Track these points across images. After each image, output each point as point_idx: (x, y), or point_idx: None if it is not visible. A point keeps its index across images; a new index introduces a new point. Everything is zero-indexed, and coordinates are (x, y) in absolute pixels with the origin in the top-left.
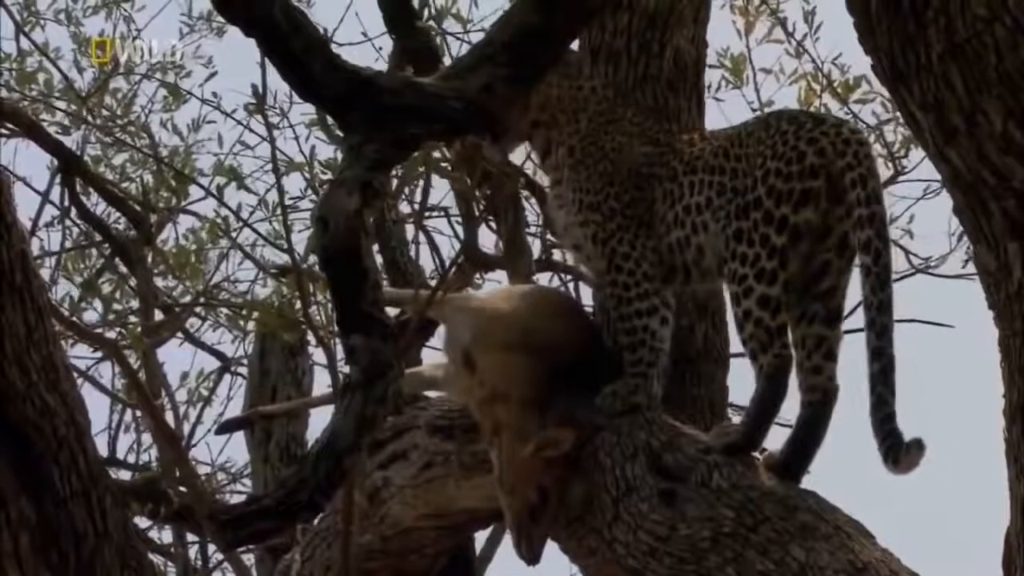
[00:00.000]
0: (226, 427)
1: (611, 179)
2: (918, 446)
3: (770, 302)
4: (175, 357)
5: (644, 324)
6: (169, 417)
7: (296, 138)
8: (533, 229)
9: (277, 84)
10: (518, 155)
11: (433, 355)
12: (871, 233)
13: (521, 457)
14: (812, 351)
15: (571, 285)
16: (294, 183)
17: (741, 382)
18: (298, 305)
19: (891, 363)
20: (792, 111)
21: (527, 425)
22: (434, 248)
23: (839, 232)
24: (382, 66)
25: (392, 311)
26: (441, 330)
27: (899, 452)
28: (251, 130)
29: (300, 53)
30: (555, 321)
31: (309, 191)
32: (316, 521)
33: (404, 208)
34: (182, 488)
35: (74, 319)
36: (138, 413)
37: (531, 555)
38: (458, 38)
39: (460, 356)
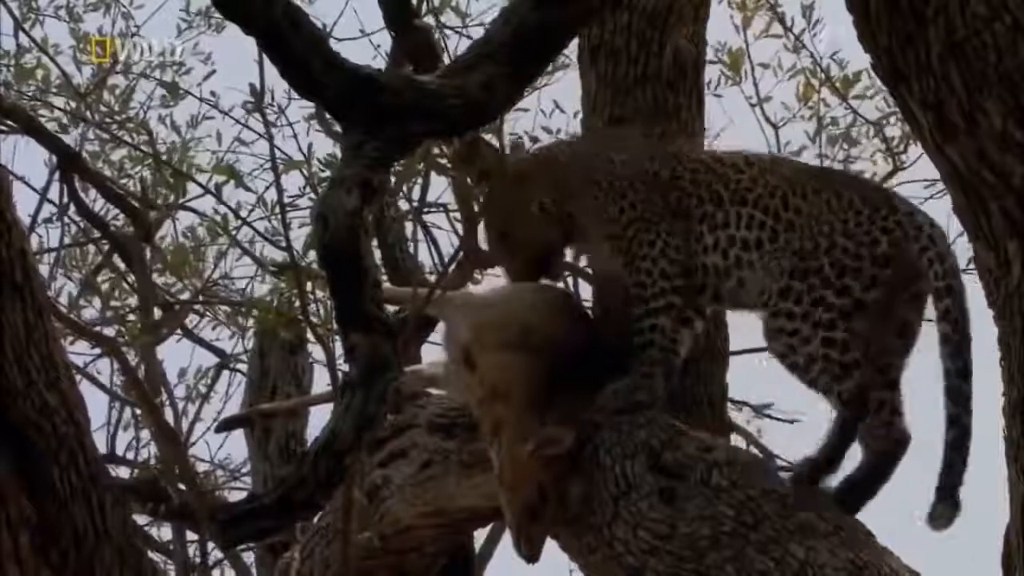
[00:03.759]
0: (226, 425)
1: (623, 192)
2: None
3: (835, 343)
4: (174, 353)
5: (653, 323)
6: (168, 414)
7: (295, 136)
8: None
9: (276, 81)
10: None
11: (433, 353)
12: (949, 303)
13: (520, 456)
14: (876, 412)
15: (570, 282)
16: (293, 181)
17: (740, 380)
18: (297, 303)
19: (967, 432)
20: (864, 182)
21: (527, 424)
22: (433, 245)
23: (901, 317)
24: (380, 63)
25: (391, 309)
26: (441, 328)
27: (950, 518)
28: (249, 128)
29: (299, 51)
30: (554, 319)
31: (307, 189)
32: (315, 519)
33: (403, 205)
34: (181, 486)
35: (73, 317)
36: (137, 410)
37: (530, 553)
38: (457, 32)
39: (460, 354)
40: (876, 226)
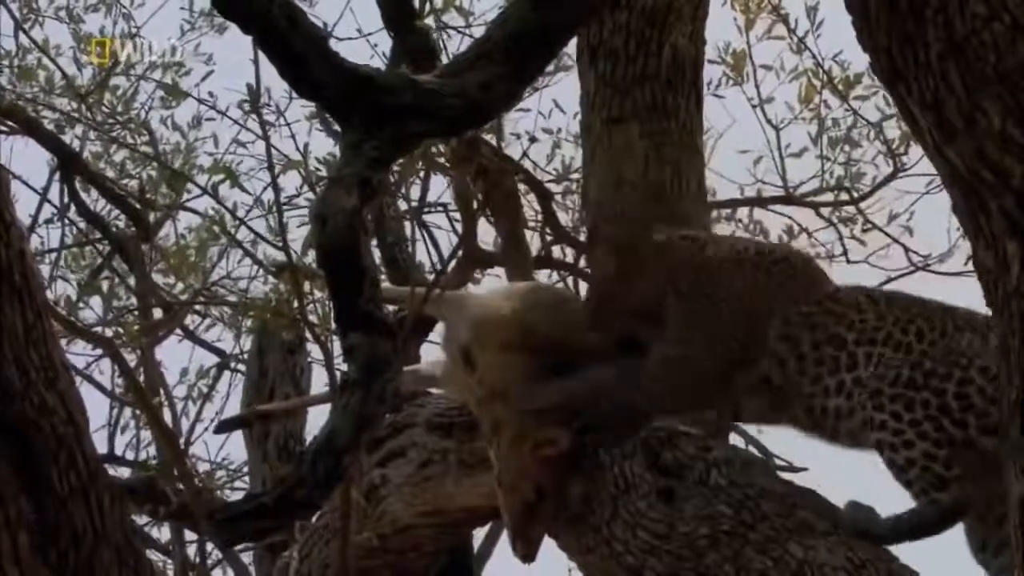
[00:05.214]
0: (224, 426)
1: None
2: None
3: (938, 459)
4: (174, 353)
5: None
6: (167, 415)
7: (292, 136)
8: (532, 225)
9: (275, 81)
10: (515, 148)
11: (432, 353)
12: None
13: (519, 455)
14: None
15: (570, 282)
16: (291, 181)
17: None
18: (296, 303)
19: None
20: None
21: (526, 424)
22: (432, 244)
23: None
24: (379, 64)
25: (390, 308)
26: (439, 328)
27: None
28: (247, 128)
29: (298, 50)
30: (554, 320)
31: (305, 188)
32: (314, 519)
33: (402, 204)
34: (180, 486)
35: (71, 318)
36: (137, 411)
37: (525, 553)
38: (460, 32)
39: (459, 354)
40: None
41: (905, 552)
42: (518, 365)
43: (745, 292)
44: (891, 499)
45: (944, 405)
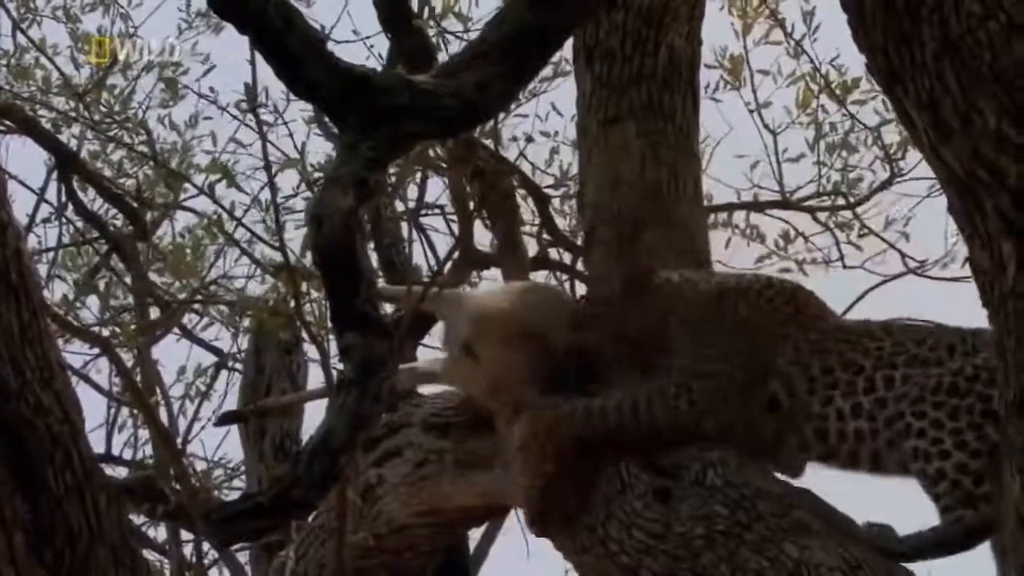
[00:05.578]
0: (225, 419)
1: None
2: None
3: (969, 471)
4: (172, 352)
5: None
6: (164, 414)
7: (291, 135)
8: (528, 227)
9: (272, 82)
10: (512, 152)
11: (428, 353)
12: None
13: (544, 426)
14: None
15: (566, 283)
16: (290, 180)
17: None
18: (292, 303)
19: None
20: None
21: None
22: (429, 246)
23: None
24: (375, 65)
25: (387, 307)
26: (438, 325)
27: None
28: (248, 125)
29: (294, 50)
30: (551, 318)
31: (303, 188)
32: (311, 519)
33: (399, 206)
34: (177, 486)
35: (68, 317)
36: (134, 410)
37: (538, 527)
38: (458, 37)
39: (461, 347)
40: None
41: None
42: (520, 360)
43: (751, 318)
44: (885, 497)
45: (988, 411)
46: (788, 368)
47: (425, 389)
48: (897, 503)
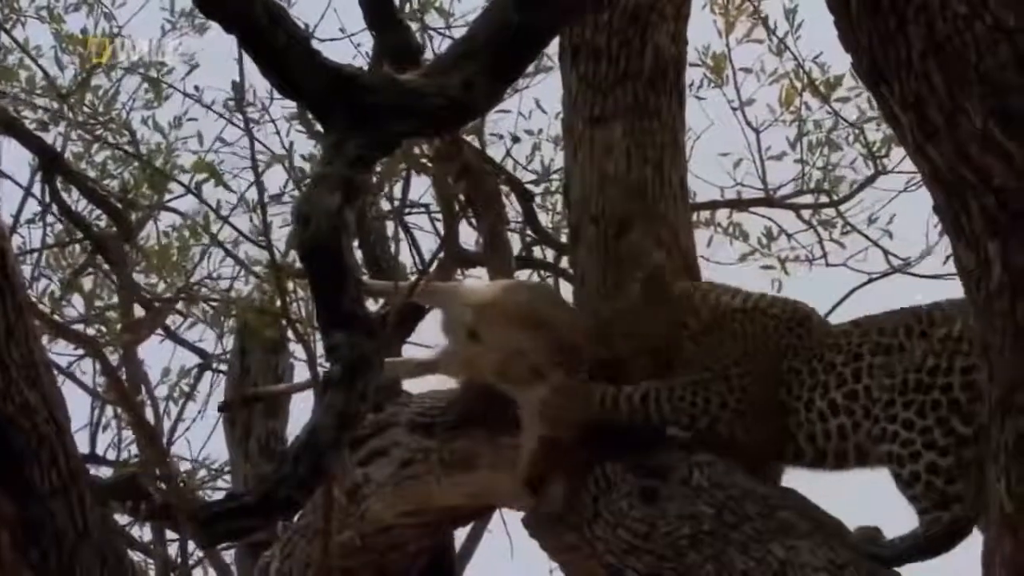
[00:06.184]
0: (228, 406)
1: None
2: None
3: (940, 471)
4: (156, 354)
5: None
6: (149, 414)
7: (277, 132)
8: (513, 226)
9: (258, 80)
10: (496, 149)
11: (414, 350)
12: None
13: (567, 391)
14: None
15: (551, 282)
16: (275, 180)
17: None
18: (279, 302)
19: None
20: None
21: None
22: (414, 245)
23: None
24: (360, 63)
25: (374, 301)
26: (430, 318)
27: None
28: (234, 123)
29: (280, 49)
30: (554, 308)
31: (290, 186)
32: (296, 518)
33: (384, 204)
34: (162, 485)
35: (54, 316)
36: (119, 410)
37: (531, 485)
38: (441, 33)
39: (466, 334)
40: None
41: None
42: (529, 342)
43: (759, 337)
44: (871, 497)
45: (953, 401)
46: (787, 377)
47: (419, 383)
48: (879, 501)
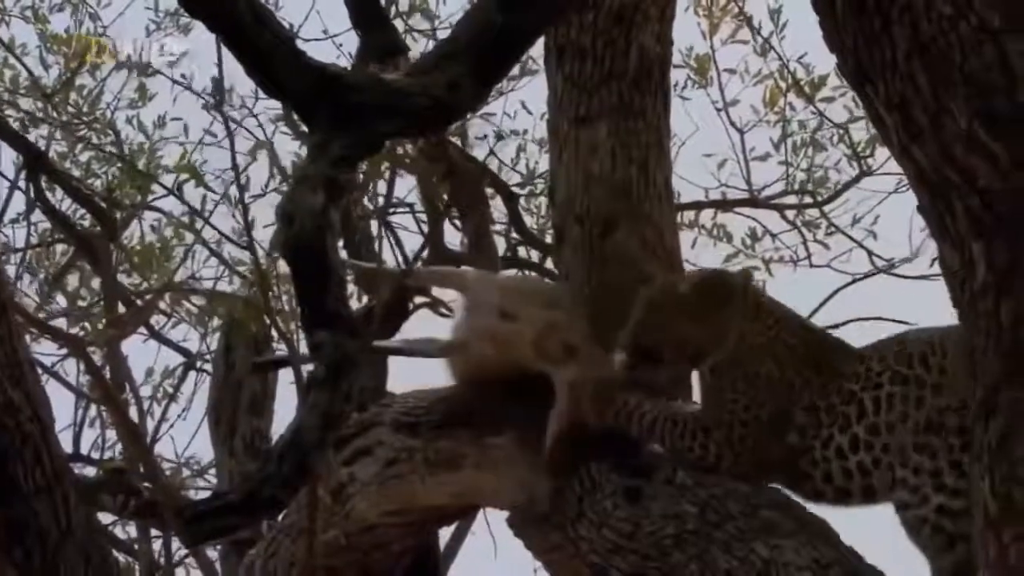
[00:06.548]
0: (260, 366)
1: None
2: None
3: (950, 513)
4: (140, 353)
5: None
6: (133, 413)
7: (261, 126)
8: (498, 226)
9: (241, 78)
10: (480, 150)
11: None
12: None
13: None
14: None
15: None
16: (259, 177)
17: None
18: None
19: None
20: None
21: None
22: (397, 244)
23: None
24: (344, 63)
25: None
26: (425, 313)
27: None
28: (219, 116)
29: (264, 48)
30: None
31: (274, 182)
32: (281, 517)
33: (368, 204)
34: (147, 484)
35: (38, 315)
36: (103, 409)
37: (554, 468)
38: (426, 36)
39: (495, 312)
40: None
41: (872, 552)
42: (562, 320)
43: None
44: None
45: (967, 443)
46: (802, 417)
47: (403, 382)
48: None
